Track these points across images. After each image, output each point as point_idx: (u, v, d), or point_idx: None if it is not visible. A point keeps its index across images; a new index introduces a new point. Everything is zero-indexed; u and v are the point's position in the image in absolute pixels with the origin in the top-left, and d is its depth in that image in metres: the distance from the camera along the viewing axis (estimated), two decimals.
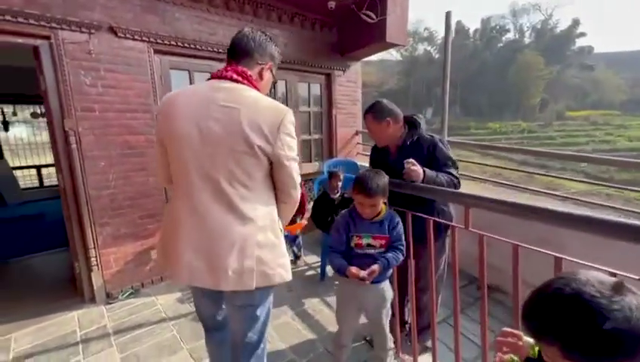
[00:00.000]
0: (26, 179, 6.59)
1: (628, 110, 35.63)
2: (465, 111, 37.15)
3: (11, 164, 6.00)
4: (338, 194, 2.80)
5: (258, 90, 1.12)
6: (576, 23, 37.56)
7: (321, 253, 2.86)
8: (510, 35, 41.89)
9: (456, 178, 1.63)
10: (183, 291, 2.69)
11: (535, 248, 1.07)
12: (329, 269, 2.90)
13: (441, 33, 42.66)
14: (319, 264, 3.01)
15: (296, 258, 3.15)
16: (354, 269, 1.39)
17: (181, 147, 1.04)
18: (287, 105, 3.68)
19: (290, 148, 1.07)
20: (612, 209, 2.70)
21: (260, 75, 1.15)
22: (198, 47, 2.81)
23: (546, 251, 1.04)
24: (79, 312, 2.42)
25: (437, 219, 1.52)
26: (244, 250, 1.05)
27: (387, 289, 1.56)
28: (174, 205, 1.13)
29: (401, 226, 1.51)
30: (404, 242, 1.50)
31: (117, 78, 2.44)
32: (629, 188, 3.16)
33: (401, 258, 1.48)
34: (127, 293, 2.61)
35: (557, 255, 1.04)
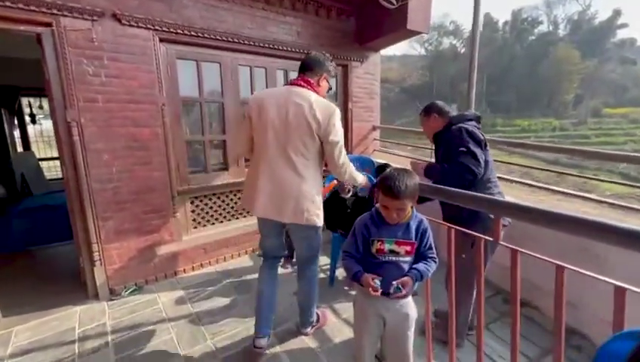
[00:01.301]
0: (52, 170, 6.82)
1: None
2: (492, 107, 35.52)
3: (38, 156, 6.21)
4: (350, 194, 2.60)
5: (317, 93, 1.64)
6: (617, 13, 34.93)
7: (330, 255, 2.67)
8: (543, 28, 39.62)
9: (466, 166, 1.59)
10: (186, 289, 2.60)
11: (589, 273, 0.83)
12: (339, 273, 2.71)
13: (468, 27, 41.01)
14: (328, 267, 2.83)
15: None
16: (369, 278, 1.21)
17: (267, 129, 1.59)
18: None
19: (335, 133, 1.58)
20: None
21: (319, 83, 1.69)
22: (206, 35, 2.68)
23: (603, 278, 0.81)
24: (82, 308, 2.37)
25: (461, 229, 1.30)
26: (298, 198, 1.60)
27: (412, 306, 1.36)
28: (256, 166, 1.67)
29: (430, 232, 1.31)
30: (435, 251, 1.30)
31: (121, 67, 2.35)
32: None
33: (433, 270, 1.28)
34: (131, 290, 2.54)
35: (614, 283, 0.80)
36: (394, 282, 1.21)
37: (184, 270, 2.87)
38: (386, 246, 1.27)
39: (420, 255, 1.32)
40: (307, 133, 1.54)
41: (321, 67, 1.69)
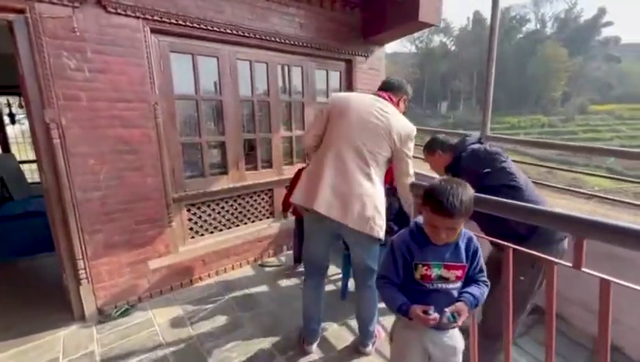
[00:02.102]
0: (34, 174, 6.41)
1: None
2: (482, 105, 35.80)
3: (19, 158, 5.81)
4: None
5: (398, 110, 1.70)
6: (602, 11, 35.60)
7: (342, 265, 2.46)
8: (531, 26, 40.10)
9: (500, 186, 1.47)
10: (184, 307, 2.36)
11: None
12: (352, 284, 2.50)
13: (457, 25, 41.24)
14: (337, 277, 2.63)
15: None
16: (419, 310, 1.01)
17: (342, 126, 1.58)
18: (302, 95, 3.30)
19: (409, 150, 1.62)
20: None
21: (398, 103, 1.75)
22: (202, 26, 2.42)
23: None
24: (66, 332, 2.11)
25: (524, 250, 1.11)
26: (365, 201, 1.53)
27: (459, 338, 1.17)
28: (322, 162, 1.60)
29: (481, 252, 1.11)
30: (485, 273, 1.12)
31: (107, 61, 2.08)
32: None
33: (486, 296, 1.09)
34: (122, 310, 2.28)
35: None
36: (446, 309, 1.01)
37: (181, 284, 2.62)
38: (434, 272, 1.07)
39: (469, 279, 1.13)
40: (385, 143, 1.57)
41: (402, 89, 1.77)
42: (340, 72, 3.54)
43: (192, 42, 2.49)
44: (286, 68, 3.12)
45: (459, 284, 1.10)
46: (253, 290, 2.58)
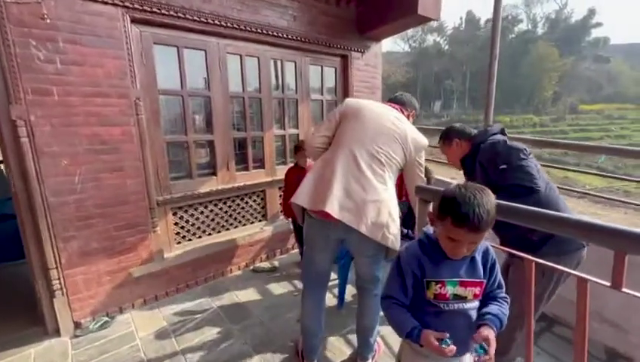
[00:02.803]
0: None
1: None
2: (475, 104, 36.03)
3: None
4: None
5: None
6: (592, 12, 36.03)
7: (338, 272, 2.31)
8: (523, 26, 40.44)
9: (516, 185, 1.33)
10: (169, 318, 2.19)
11: None
12: (350, 291, 2.37)
13: (451, 24, 41.43)
14: (334, 283, 2.49)
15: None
16: (433, 337, 0.87)
17: (356, 128, 1.51)
18: (296, 92, 3.15)
19: (422, 160, 1.61)
20: None
21: (408, 116, 1.71)
22: (188, 16, 2.26)
23: None
24: (38, 349, 1.93)
25: (553, 265, 0.98)
26: (381, 210, 1.42)
27: None
28: (333, 160, 1.49)
29: (498, 265, 0.98)
30: (504, 288, 1.00)
31: (82, 52, 1.90)
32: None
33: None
34: (101, 323, 2.11)
35: None
36: (473, 341, 0.87)
37: (167, 293, 2.45)
38: (449, 291, 0.93)
39: (487, 295, 0.99)
40: (400, 149, 1.51)
41: (411, 105, 1.77)
42: (336, 68, 3.39)
43: (178, 34, 2.32)
44: (279, 63, 2.97)
45: (476, 303, 0.97)
46: (244, 299, 2.42)
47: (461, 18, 39.87)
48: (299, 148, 2.66)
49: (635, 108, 33.44)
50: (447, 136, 1.70)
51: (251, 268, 2.89)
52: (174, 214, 2.51)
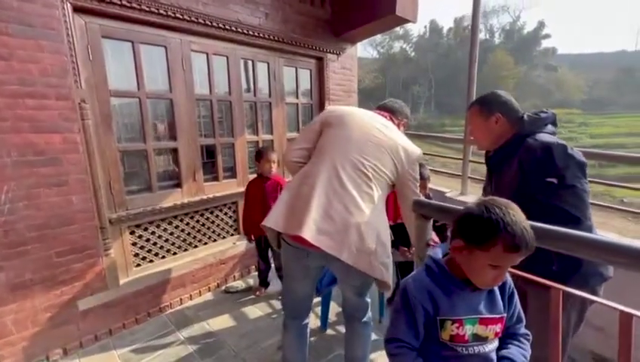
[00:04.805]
0: None
1: (587, 109, 37.55)
2: (440, 109, 37.53)
3: None
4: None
5: None
6: (541, 24, 39.06)
7: (321, 297, 2.09)
8: (482, 36, 42.95)
9: (560, 209, 1.06)
10: (125, 355, 1.88)
11: None
12: (333, 312, 2.17)
13: (416, 32, 43.06)
14: (316, 301, 2.28)
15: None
16: None
17: (339, 138, 1.33)
18: (269, 95, 2.93)
19: (416, 173, 1.38)
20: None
21: (398, 125, 1.55)
22: (144, 7, 1.98)
23: None
24: None
25: (585, 295, 0.85)
26: (366, 233, 1.21)
27: None
28: (313, 175, 1.29)
29: (517, 296, 0.84)
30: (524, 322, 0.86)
31: (9, 44, 1.57)
32: (624, 185, 2.87)
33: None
34: None
35: None
36: None
37: (124, 325, 2.12)
38: (467, 330, 0.77)
39: (506, 332, 0.85)
40: (390, 161, 1.32)
41: (402, 113, 1.59)
42: (311, 71, 3.22)
43: (133, 27, 2.03)
44: (250, 63, 2.74)
45: (497, 343, 0.82)
46: (215, 327, 2.15)
47: (425, 27, 41.48)
48: (261, 154, 2.32)
49: (580, 113, 36.61)
50: (489, 106, 1.28)
51: (223, 288, 2.61)
52: (132, 233, 2.19)
